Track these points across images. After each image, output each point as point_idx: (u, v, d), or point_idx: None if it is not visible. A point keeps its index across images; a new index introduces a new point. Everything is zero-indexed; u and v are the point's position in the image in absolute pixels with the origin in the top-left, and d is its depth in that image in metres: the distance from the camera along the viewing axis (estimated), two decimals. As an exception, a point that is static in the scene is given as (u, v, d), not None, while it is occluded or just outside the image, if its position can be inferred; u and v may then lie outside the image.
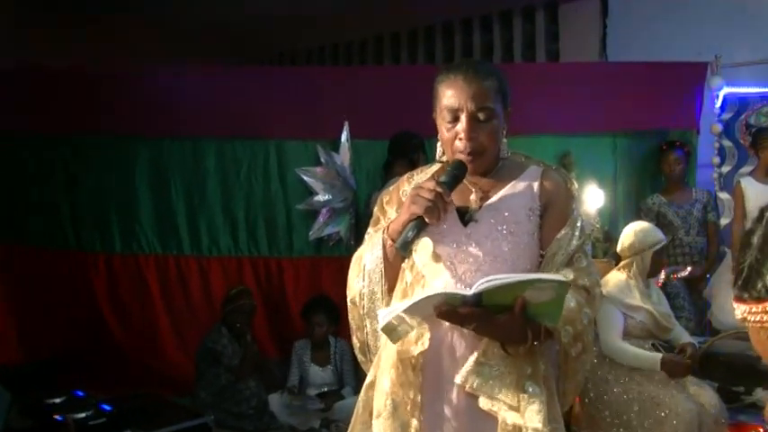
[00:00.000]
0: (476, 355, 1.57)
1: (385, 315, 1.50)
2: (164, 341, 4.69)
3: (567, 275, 1.60)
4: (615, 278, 3.31)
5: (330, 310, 4.25)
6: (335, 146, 4.68)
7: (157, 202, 4.75)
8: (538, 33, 6.39)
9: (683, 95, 4.83)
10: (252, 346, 4.25)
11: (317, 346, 4.35)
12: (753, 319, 0.88)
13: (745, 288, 0.88)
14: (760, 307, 0.87)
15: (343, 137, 4.65)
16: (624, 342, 3.19)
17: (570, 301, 1.57)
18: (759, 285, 0.87)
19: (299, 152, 4.74)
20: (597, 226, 3.91)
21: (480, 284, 1.43)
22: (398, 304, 1.51)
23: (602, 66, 5.58)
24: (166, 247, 4.76)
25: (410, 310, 1.48)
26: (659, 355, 3.12)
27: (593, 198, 4.12)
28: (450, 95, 1.64)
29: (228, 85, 4.76)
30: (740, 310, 0.90)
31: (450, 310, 1.46)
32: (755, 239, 0.89)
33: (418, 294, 1.51)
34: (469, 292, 1.44)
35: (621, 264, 3.33)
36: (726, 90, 4.92)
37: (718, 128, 4.92)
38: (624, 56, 5.54)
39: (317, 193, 4.66)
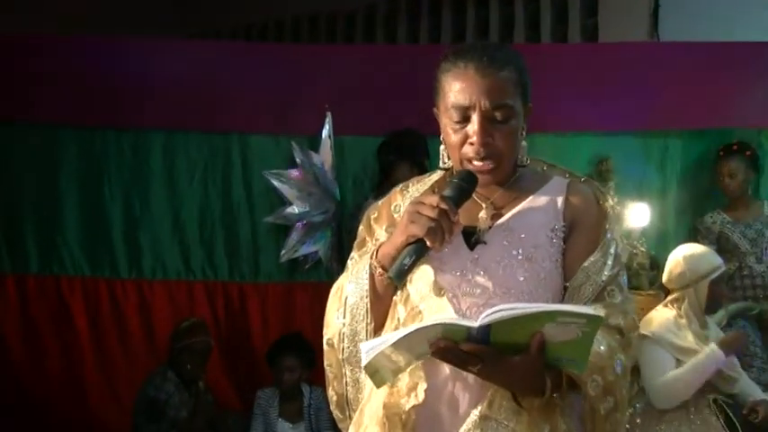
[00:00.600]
0: (480, 407, 1.59)
1: (369, 350, 1.48)
2: (90, 387, 4.67)
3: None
4: (661, 316, 3.35)
5: (304, 351, 4.26)
6: (314, 143, 4.71)
7: (86, 209, 4.75)
8: (571, 4, 6.47)
9: (753, 85, 4.87)
10: (205, 396, 4.25)
11: (286, 397, 4.36)
12: None
13: None
14: None
15: (325, 132, 4.68)
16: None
17: (600, 344, 1.58)
18: None
19: (268, 150, 4.77)
20: (642, 250, 3.95)
21: (489, 315, 1.43)
22: (387, 336, 1.51)
23: (651, 47, 5.63)
24: (97, 267, 4.76)
25: (400, 345, 1.48)
26: (712, 346, 3.20)
27: (636, 215, 4.16)
28: (458, 90, 1.66)
29: (181, 65, 4.77)
30: None
31: (449, 346, 1.47)
32: None
33: (412, 325, 1.52)
34: (475, 324, 1.44)
35: (670, 298, 3.37)
36: None
37: None
38: (680, 35, 5.61)
39: (290, 203, 4.68)
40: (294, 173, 4.69)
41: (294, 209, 4.67)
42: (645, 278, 3.85)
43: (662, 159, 4.86)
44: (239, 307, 4.81)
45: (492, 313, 1.43)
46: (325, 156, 4.69)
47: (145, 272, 4.79)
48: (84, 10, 7.02)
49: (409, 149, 4.27)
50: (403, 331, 1.48)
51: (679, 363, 3.27)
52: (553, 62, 4.80)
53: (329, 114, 4.66)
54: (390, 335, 1.50)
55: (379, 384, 1.58)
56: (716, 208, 4.71)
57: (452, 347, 1.47)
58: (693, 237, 4.53)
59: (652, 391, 3.29)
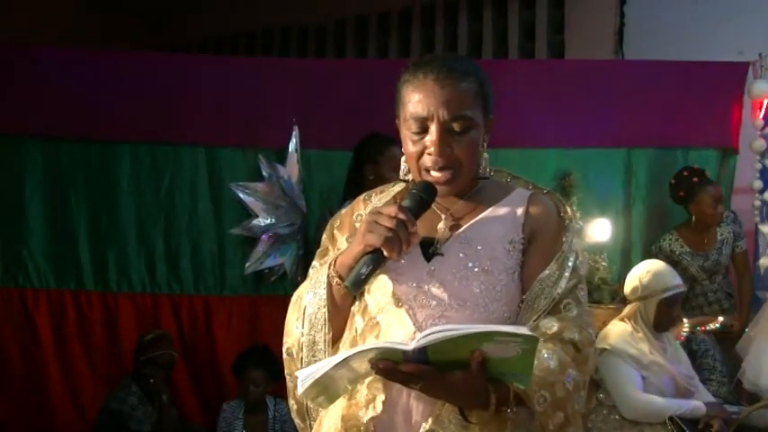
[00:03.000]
0: (428, 422, 1.59)
1: (305, 378, 1.48)
2: (55, 400, 4.62)
3: (549, 326, 1.63)
4: (618, 328, 3.41)
5: (269, 363, 4.24)
6: (281, 156, 4.72)
7: (52, 221, 4.72)
8: (538, 22, 6.53)
9: (717, 104, 4.94)
10: (169, 408, 4.24)
11: (251, 410, 4.34)
12: None
13: None
14: None
15: (292, 146, 4.70)
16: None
17: (550, 359, 1.59)
18: None
19: (235, 163, 4.77)
20: (604, 264, 4.00)
21: (423, 337, 1.43)
22: (323, 362, 1.50)
23: (617, 64, 5.71)
24: (62, 279, 4.73)
25: (336, 372, 1.47)
26: (701, 404, 3.23)
27: (599, 230, 4.21)
28: (417, 100, 1.68)
29: (149, 77, 4.77)
30: None
31: (388, 366, 1.47)
32: None
33: (342, 353, 1.50)
34: (409, 346, 1.44)
35: (625, 311, 3.42)
36: None
37: (761, 145, 4.89)
38: (645, 53, 5.66)
39: (256, 216, 4.69)
40: (261, 185, 4.71)
41: (260, 221, 4.68)
42: (606, 292, 3.90)
43: (625, 175, 4.92)
44: (204, 320, 4.80)
45: (427, 335, 1.43)
46: (291, 169, 4.70)
47: (110, 284, 4.76)
48: (52, 22, 6.99)
49: (373, 150, 4.24)
50: (338, 357, 1.47)
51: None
52: (520, 78, 4.87)
53: (296, 128, 4.69)
54: (325, 361, 1.49)
55: (324, 407, 1.59)
56: (675, 227, 4.73)
57: (392, 367, 1.47)
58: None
59: (622, 403, 3.35)
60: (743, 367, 4.41)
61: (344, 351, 1.52)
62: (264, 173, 4.71)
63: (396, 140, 1.82)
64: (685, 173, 4.67)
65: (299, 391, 1.49)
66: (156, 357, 4.29)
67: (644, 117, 4.81)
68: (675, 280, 3.46)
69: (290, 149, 4.71)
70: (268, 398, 4.35)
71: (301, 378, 1.49)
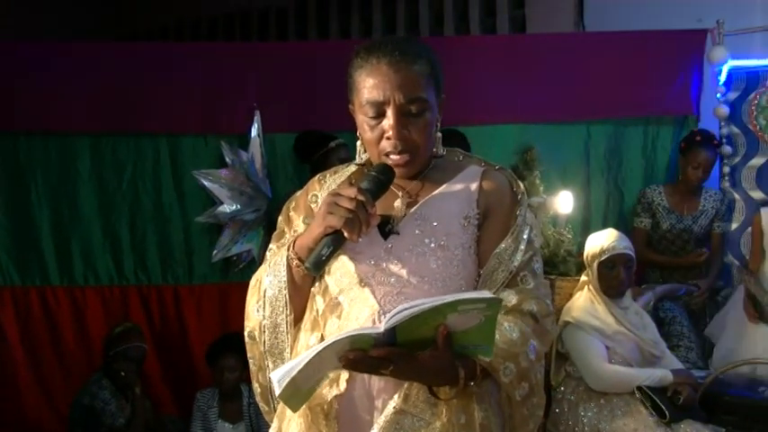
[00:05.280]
0: (395, 401, 1.61)
1: (280, 379, 1.48)
2: (24, 397, 4.62)
3: (508, 299, 1.66)
4: (580, 301, 3.46)
5: (243, 350, 4.23)
6: (244, 142, 4.72)
7: (14, 217, 4.69)
8: (499, -4, 6.55)
9: (677, 72, 5.00)
10: (142, 401, 4.23)
11: (226, 397, 4.35)
12: None
13: None
14: None
15: (254, 130, 4.70)
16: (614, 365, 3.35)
17: (512, 331, 1.63)
18: None
19: (197, 150, 4.76)
20: (569, 236, 4.04)
21: (392, 317, 1.45)
22: (296, 360, 1.50)
23: (576, 36, 5.75)
24: (27, 275, 4.70)
25: (311, 365, 1.48)
26: (668, 371, 3.29)
27: (562, 202, 4.25)
28: (372, 85, 1.69)
29: (106, 67, 4.73)
30: None
31: (358, 356, 1.48)
32: None
33: (315, 347, 1.51)
34: (380, 329, 1.46)
35: (581, 281, 3.48)
36: (731, 63, 5.01)
37: (724, 111, 4.98)
38: (606, 24, 5.72)
39: (221, 203, 4.67)
40: (224, 172, 4.69)
41: (225, 208, 4.67)
42: (572, 264, 3.95)
43: (586, 147, 4.98)
44: (174, 309, 4.81)
45: (395, 315, 1.45)
46: (255, 154, 4.70)
47: (76, 278, 4.75)
48: (6, 15, 6.93)
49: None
50: (312, 351, 1.48)
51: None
52: (480, 54, 4.90)
53: (258, 112, 4.68)
54: (299, 358, 1.49)
55: (295, 409, 1.59)
56: (664, 183, 4.84)
57: (362, 356, 1.48)
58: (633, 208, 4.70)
59: (588, 375, 3.41)
60: (714, 352, 4.48)
61: (316, 346, 1.52)
62: (228, 159, 4.69)
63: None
64: (695, 131, 4.80)
65: (277, 392, 1.49)
66: (126, 351, 4.27)
67: (605, 88, 4.86)
68: (610, 242, 3.51)
69: (252, 135, 4.70)
70: (242, 384, 4.35)
71: (276, 379, 1.48)
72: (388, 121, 1.69)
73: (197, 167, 4.70)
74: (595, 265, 3.45)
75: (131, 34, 7.72)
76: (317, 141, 4.31)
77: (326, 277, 1.74)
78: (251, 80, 4.72)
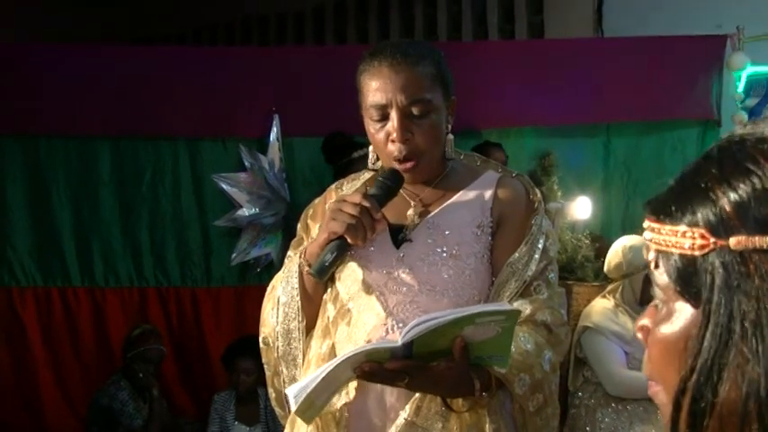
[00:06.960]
0: (406, 411, 1.60)
1: (297, 394, 1.46)
2: (44, 398, 4.63)
3: (522, 309, 1.63)
4: (600, 306, 3.42)
5: (259, 353, 4.25)
6: (263, 146, 4.72)
7: (36, 219, 4.71)
8: (518, 2, 6.54)
9: (696, 77, 4.96)
10: (159, 403, 4.24)
11: (243, 400, 4.35)
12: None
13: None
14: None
15: (273, 134, 4.70)
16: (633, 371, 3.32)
17: (527, 342, 1.62)
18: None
19: (216, 154, 4.77)
20: (587, 242, 4.02)
21: (408, 331, 1.43)
22: (310, 377, 1.48)
23: (595, 42, 5.72)
24: (49, 276, 4.72)
25: (325, 382, 1.46)
26: None
27: (581, 208, 4.22)
28: (374, 89, 1.68)
29: (126, 70, 4.75)
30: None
31: (374, 368, 1.46)
32: None
33: (331, 362, 1.49)
34: (397, 342, 1.44)
35: (608, 288, 3.44)
36: (750, 70, 4.97)
37: (743, 117, 4.91)
38: (624, 30, 5.67)
39: (240, 206, 4.68)
40: (243, 176, 4.70)
41: (244, 211, 4.67)
42: (590, 270, 3.92)
43: (605, 152, 4.94)
44: (192, 312, 4.81)
45: (413, 327, 1.43)
46: (273, 158, 4.70)
47: (97, 279, 4.76)
48: (19, 17, 6.98)
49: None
50: (327, 366, 1.47)
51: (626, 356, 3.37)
52: (499, 59, 4.88)
53: (276, 116, 4.68)
54: (315, 374, 1.48)
55: (309, 421, 1.58)
56: None
57: (377, 368, 1.47)
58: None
59: (607, 380, 3.37)
60: None
61: (332, 360, 1.50)
62: (246, 163, 4.70)
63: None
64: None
65: (293, 408, 1.48)
66: (145, 352, 4.29)
67: (624, 93, 4.81)
68: None
69: (270, 139, 4.70)
70: (259, 387, 4.35)
71: (293, 395, 1.47)
72: (392, 124, 1.68)
73: (216, 171, 4.71)
74: (641, 277, 3.37)
75: (148, 40, 7.76)
76: (344, 147, 4.29)
77: (337, 284, 1.73)
78: (269, 84, 4.72)
